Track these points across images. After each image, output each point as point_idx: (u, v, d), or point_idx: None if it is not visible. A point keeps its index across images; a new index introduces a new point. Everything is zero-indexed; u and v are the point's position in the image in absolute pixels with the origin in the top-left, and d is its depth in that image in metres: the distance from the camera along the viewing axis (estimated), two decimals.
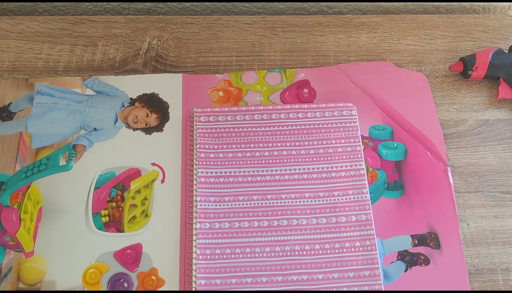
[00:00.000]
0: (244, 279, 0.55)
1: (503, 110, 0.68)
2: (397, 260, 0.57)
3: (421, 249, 0.58)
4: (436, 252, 0.57)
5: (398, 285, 0.56)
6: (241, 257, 0.56)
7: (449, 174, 0.62)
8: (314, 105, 0.65)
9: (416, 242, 0.58)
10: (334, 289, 0.54)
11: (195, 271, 0.55)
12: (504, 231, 0.59)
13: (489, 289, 0.56)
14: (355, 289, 0.54)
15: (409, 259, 0.57)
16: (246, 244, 0.57)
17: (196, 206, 0.58)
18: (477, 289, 0.56)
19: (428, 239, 0.58)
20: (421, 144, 0.64)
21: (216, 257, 0.56)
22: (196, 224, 0.57)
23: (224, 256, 0.56)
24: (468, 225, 0.60)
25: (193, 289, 0.54)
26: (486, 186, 0.62)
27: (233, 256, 0.56)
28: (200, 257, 0.56)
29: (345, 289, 0.54)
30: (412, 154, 0.64)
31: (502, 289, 0.56)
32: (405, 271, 0.57)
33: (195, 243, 0.56)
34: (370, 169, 0.62)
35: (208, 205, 0.58)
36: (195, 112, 0.64)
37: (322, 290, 0.54)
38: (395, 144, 0.64)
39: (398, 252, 0.58)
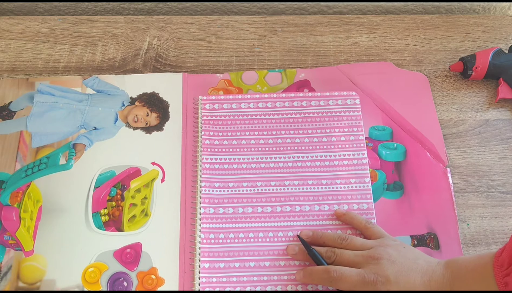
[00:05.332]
0: (247, 263, 0.55)
1: (503, 110, 0.68)
2: None
3: (420, 250, 0.57)
4: (436, 252, 0.57)
5: None
6: (245, 241, 0.57)
7: (449, 175, 0.62)
8: (318, 94, 0.65)
9: (416, 242, 0.58)
10: None
11: (199, 254, 0.55)
12: (504, 231, 0.59)
13: None
14: None
15: None
16: (249, 229, 0.57)
17: (200, 191, 0.59)
18: None
19: (428, 240, 0.58)
20: (421, 145, 0.64)
21: (220, 241, 0.56)
22: (200, 209, 0.58)
23: (228, 241, 0.56)
24: (468, 225, 0.60)
25: (197, 272, 0.55)
26: (486, 186, 0.62)
27: (236, 240, 0.57)
28: (204, 241, 0.56)
29: None
30: (412, 154, 0.63)
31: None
32: None
33: (199, 227, 0.57)
34: (370, 169, 0.62)
35: (213, 191, 0.59)
36: (200, 99, 0.65)
37: (325, 290, 0.54)
38: (395, 145, 0.64)
39: None
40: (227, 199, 0.59)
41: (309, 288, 0.54)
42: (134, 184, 0.60)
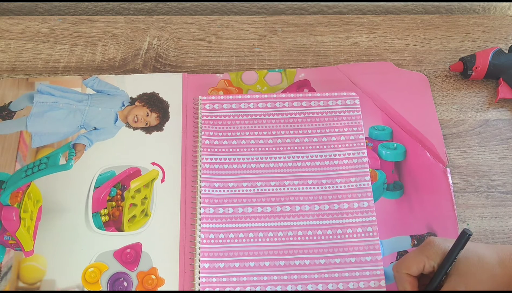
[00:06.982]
0: (247, 263, 0.55)
1: (503, 110, 0.68)
2: (396, 260, 0.57)
3: None
4: None
5: None
6: (245, 241, 0.57)
7: (449, 175, 0.62)
8: (318, 94, 0.66)
9: (416, 242, 0.58)
10: (336, 274, 0.55)
11: (199, 254, 0.55)
12: (504, 231, 0.59)
13: None
14: (357, 274, 0.55)
15: None
16: (249, 229, 0.57)
17: (200, 191, 0.59)
18: None
19: None
20: (421, 145, 0.64)
21: (220, 241, 0.57)
22: (200, 209, 0.58)
23: (228, 241, 0.57)
24: (468, 225, 0.60)
25: (197, 272, 0.55)
26: (486, 186, 0.62)
27: (236, 240, 0.57)
28: (204, 241, 0.56)
29: (347, 274, 0.55)
30: (412, 154, 0.63)
31: None
32: None
33: (199, 227, 0.57)
34: (370, 169, 0.62)
35: (212, 191, 0.59)
36: (200, 99, 0.65)
37: (325, 291, 0.54)
38: (395, 145, 0.64)
39: (398, 252, 0.58)
40: (227, 199, 0.59)
41: (309, 288, 0.54)
42: (134, 184, 0.60)
